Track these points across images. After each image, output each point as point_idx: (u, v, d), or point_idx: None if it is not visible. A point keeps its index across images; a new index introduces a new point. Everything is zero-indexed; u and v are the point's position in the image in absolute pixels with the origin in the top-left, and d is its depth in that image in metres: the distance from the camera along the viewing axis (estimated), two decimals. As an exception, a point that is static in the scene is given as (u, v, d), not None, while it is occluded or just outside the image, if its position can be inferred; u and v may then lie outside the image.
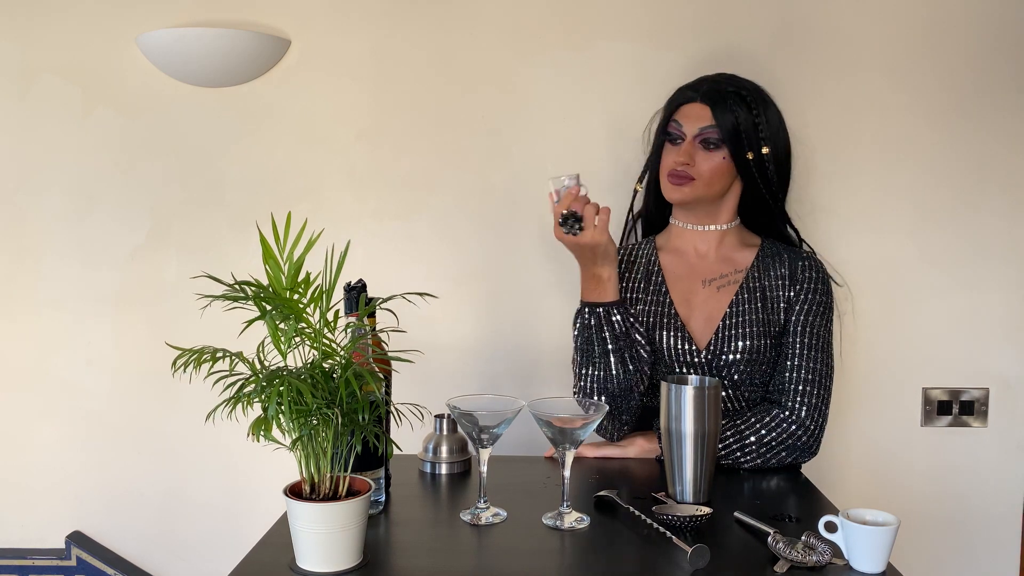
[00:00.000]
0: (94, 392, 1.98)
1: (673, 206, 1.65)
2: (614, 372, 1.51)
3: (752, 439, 1.48)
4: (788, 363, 1.53)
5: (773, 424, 1.48)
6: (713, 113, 1.54)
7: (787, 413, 1.49)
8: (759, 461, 1.48)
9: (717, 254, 1.62)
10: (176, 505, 1.99)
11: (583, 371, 1.54)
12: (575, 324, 1.53)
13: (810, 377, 1.51)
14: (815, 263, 1.60)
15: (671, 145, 1.59)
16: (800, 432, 1.48)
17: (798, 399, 1.50)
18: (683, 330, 1.56)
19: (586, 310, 1.51)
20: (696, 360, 1.55)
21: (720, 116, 1.53)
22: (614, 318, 1.49)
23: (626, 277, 1.63)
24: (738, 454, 1.47)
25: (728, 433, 1.48)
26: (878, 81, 1.86)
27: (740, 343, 1.53)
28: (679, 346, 1.55)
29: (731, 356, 1.53)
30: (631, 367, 1.51)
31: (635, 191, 1.72)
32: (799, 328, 1.54)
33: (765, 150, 1.56)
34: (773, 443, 1.48)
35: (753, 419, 1.49)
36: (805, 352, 1.52)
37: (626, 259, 1.66)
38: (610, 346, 1.50)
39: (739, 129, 1.54)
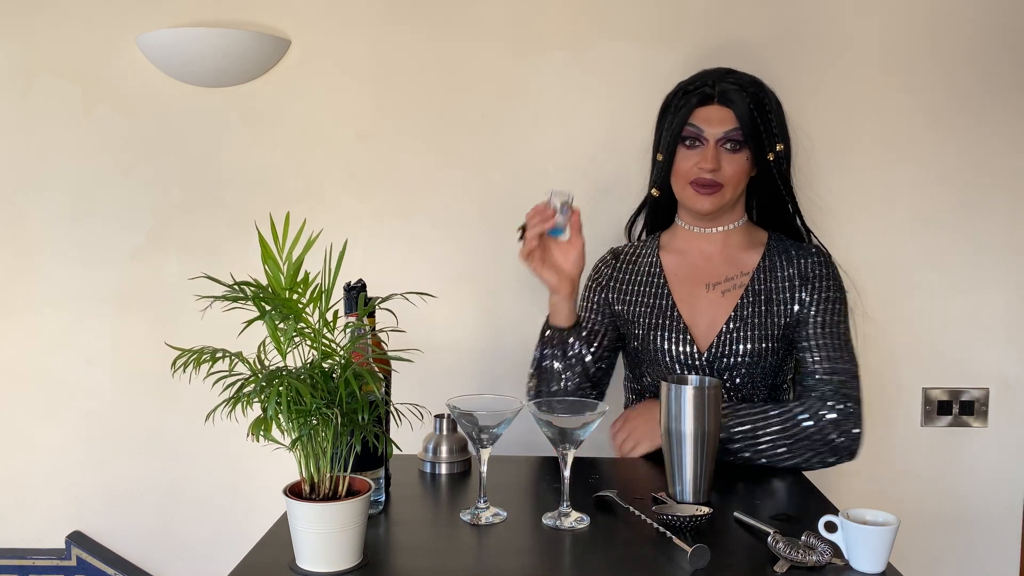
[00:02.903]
0: (94, 392, 1.98)
1: (679, 206, 1.63)
2: (560, 387, 1.55)
3: (780, 437, 1.44)
4: (815, 367, 1.49)
5: (812, 422, 1.45)
6: (736, 115, 1.50)
7: (822, 411, 1.46)
8: (788, 457, 1.44)
9: (722, 256, 1.59)
10: (176, 505, 1.99)
11: (534, 384, 1.59)
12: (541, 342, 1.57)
13: (840, 379, 1.48)
14: (823, 258, 1.57)
15: (687, 150, 1.54)
16: (836, 435, 1.45)
17: (830, 403, 1.46)
18: (685, 332, 1.55)
19: (549, 332, 1.55)
20: (697, 363, 1.54)
21: (742, 117, 1.50)
22: (570, 340, 1.54)
23: (626, 280, 1.63)
24: (762, 447, 1.44)
25: (749, 424, 1.44)
26: (879, 81, 1.86)
27: (743, 346, 1.52)
28: (680, 349, 1.55)
29: (733, 359, 1.52)
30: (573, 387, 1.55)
31: (650, 196, 1.65)
32: (819, 330, 1.50)
33: (779, 147, 1.54)
34: (810, 439, 1.44)
35: (787, 411, 1.45)
36: (828, 352, 1.49)
37: (628, 258, 1.65)
38: (559, 365, 1.55)
39: (759, 128, 1.51)
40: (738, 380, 1.53)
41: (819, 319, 1.51)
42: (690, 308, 1.57)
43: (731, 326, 1.53)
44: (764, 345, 1.52)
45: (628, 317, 1.61)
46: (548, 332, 1.57)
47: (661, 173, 1.60)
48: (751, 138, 1.51)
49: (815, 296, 1.53)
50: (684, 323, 1.55)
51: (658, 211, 1.68)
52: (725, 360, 1.53)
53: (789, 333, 1.55)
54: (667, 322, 1.56)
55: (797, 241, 1.63)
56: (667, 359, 1.55)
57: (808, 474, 1.53)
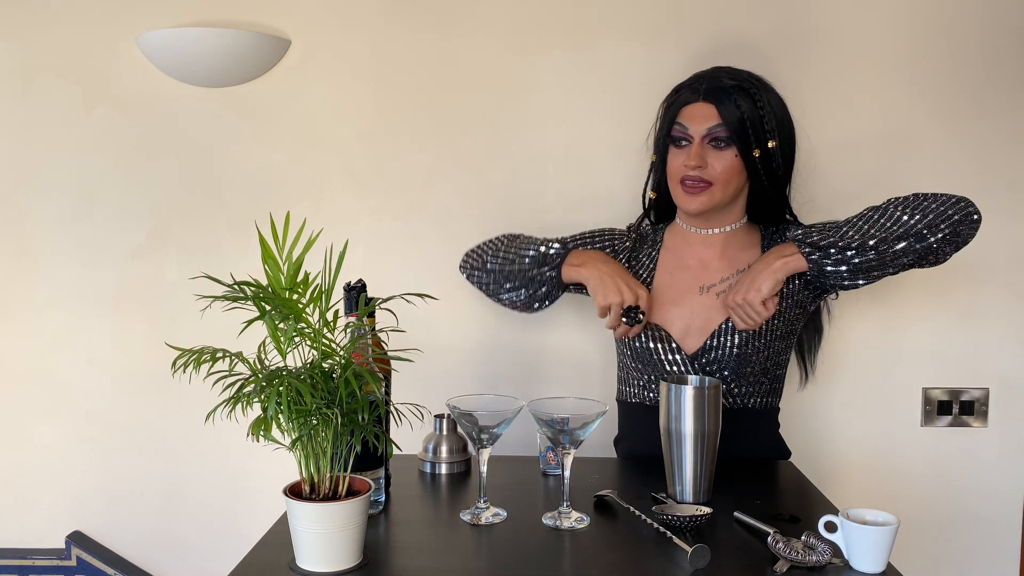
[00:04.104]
0: (94, 392, 1.98)
1: (678, 206, 1.63)
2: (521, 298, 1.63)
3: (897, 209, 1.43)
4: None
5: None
6: (719, 111, 1.50)
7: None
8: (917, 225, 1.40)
9: (721, 259, 1.58)
10: (176, 505, 1.99)
11: (503, 288, 1.62)
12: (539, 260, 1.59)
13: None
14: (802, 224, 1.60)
15: (677, 149, 1.54)
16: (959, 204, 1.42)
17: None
18: (665, 331, 1.54)
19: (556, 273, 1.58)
20: (679, 358, 1.53)
21: (725, 113, 1.50)
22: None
23: (631, 265, 1.63)
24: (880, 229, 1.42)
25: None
26: (879, 80, 1.86)
27: (734, 339, 1.51)
28: (663, 347, 1.54)
29: (721, 352, 1.52)
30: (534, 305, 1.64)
31: (649, 199, 1.66)
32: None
33: (771, 144, 1.53)
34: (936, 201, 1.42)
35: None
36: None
37: (634, 246, 1.65)
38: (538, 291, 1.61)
39: (745, 125, 1.50)
40: (727, 373, 1.53)
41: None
42: (680, 315, 1.56)
43: (723, 327, 1.52)
44: (760, 341, 1.51)
45: None
46: (551, 272, 1.58)
47: (656, 175, 1.61)
48: (736, 135, 1.50)
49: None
50: (665, 330, 1.55)
51: (660, 213, 1.68)
52: (711, 354, 1.52)
53: (812, 296, 1.56)
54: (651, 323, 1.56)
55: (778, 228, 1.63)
56: (651, 356, 1.55)
57: (808, 474, 1.53)
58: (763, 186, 1.56)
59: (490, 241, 1.69)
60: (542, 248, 1.60)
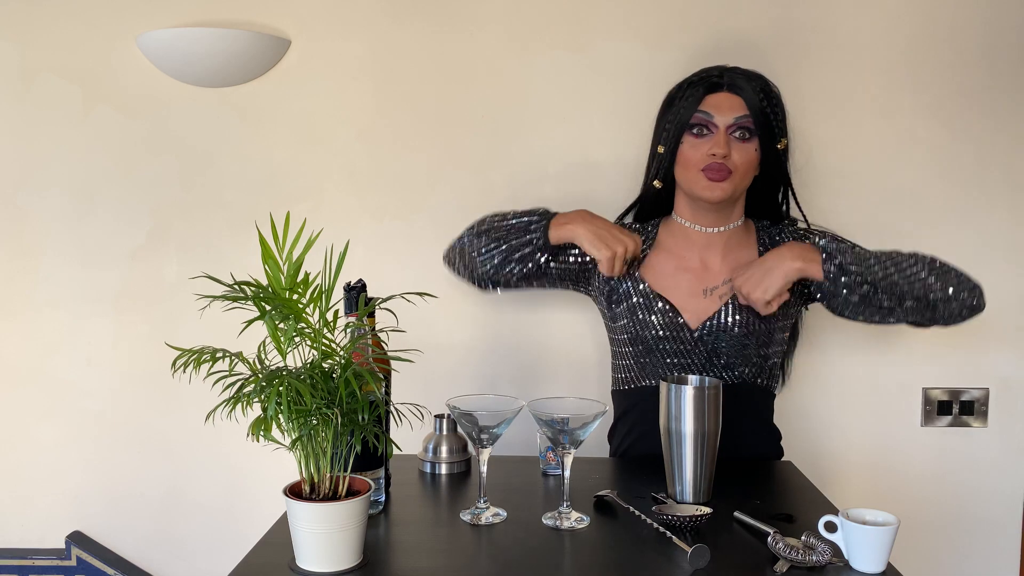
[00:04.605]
0: (94, 392, 1.98)
1: (678, 202, 1.61)
2: (507, 270, 1.55)
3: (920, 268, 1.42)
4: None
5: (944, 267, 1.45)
6: (745, 102, 1.49)
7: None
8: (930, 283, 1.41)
9: (723, 261, 1.57)
10: (176, 505, 1.99)
11: (505, 259, 1.54)
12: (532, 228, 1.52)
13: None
14: (802, 227, 1.60)
15: (695, 138, 1.52)
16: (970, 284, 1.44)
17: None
18: (676, 312, 1.54)
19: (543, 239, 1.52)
20: (684, 335, 1.53)
21: (752, 104, 1.49)
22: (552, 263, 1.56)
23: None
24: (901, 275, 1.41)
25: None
26: (878, 81, 1.86)
27: (735, 320, 1.51)
28: (665, 321, 1.53)
29: (720, 332, 1.52)
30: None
31: (651, 188, 1.62)
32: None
33: (784, 142, 1.54)
34: (953, 273, 1.43)
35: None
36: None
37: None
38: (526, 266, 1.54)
39: (769, 119, 1.50)
40: (724, 346, 1.52)
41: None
42: (684, 314, 1.55)
43: (723, 319, 1.52)
44: (757, 323, 1.51)
45: (607, 296, 1.60)
46: (536, 236, 1.52)
47: (664, 165, 1.57)
48: (761, 127, 1.50)
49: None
50: (670, 304, 1.54)
51: (655, 208, 1.66)
52: (711, 329, 1.52)
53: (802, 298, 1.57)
54: (646, 302, 1.55)
55: (777, 225, 1.63)
56: (650, 332, 1.54)
57: (808, 474, 1.53)
58: (774, 182, 1.57)
59: (465, 232, 1.60)
60: (524, 217, 1.55)
